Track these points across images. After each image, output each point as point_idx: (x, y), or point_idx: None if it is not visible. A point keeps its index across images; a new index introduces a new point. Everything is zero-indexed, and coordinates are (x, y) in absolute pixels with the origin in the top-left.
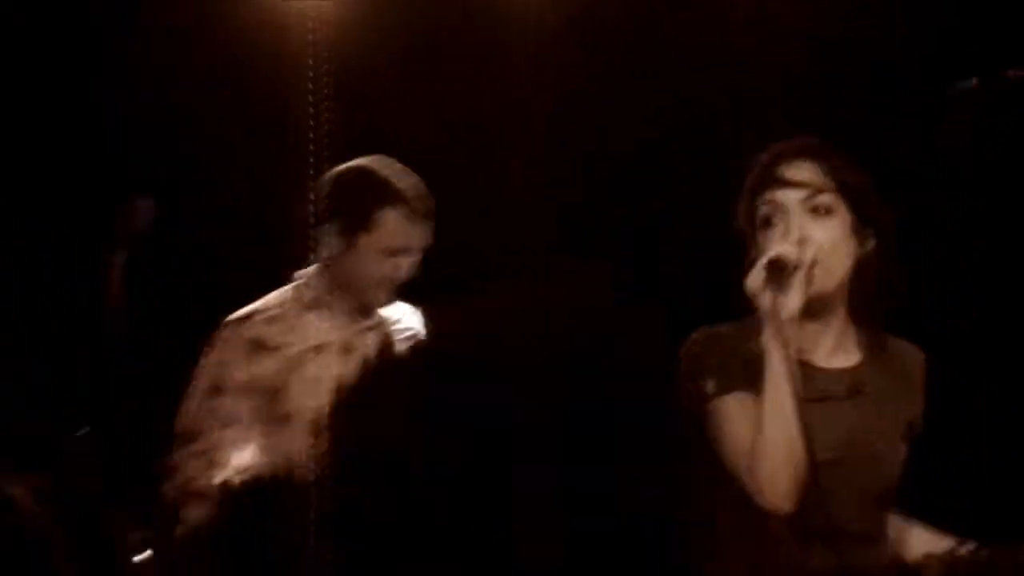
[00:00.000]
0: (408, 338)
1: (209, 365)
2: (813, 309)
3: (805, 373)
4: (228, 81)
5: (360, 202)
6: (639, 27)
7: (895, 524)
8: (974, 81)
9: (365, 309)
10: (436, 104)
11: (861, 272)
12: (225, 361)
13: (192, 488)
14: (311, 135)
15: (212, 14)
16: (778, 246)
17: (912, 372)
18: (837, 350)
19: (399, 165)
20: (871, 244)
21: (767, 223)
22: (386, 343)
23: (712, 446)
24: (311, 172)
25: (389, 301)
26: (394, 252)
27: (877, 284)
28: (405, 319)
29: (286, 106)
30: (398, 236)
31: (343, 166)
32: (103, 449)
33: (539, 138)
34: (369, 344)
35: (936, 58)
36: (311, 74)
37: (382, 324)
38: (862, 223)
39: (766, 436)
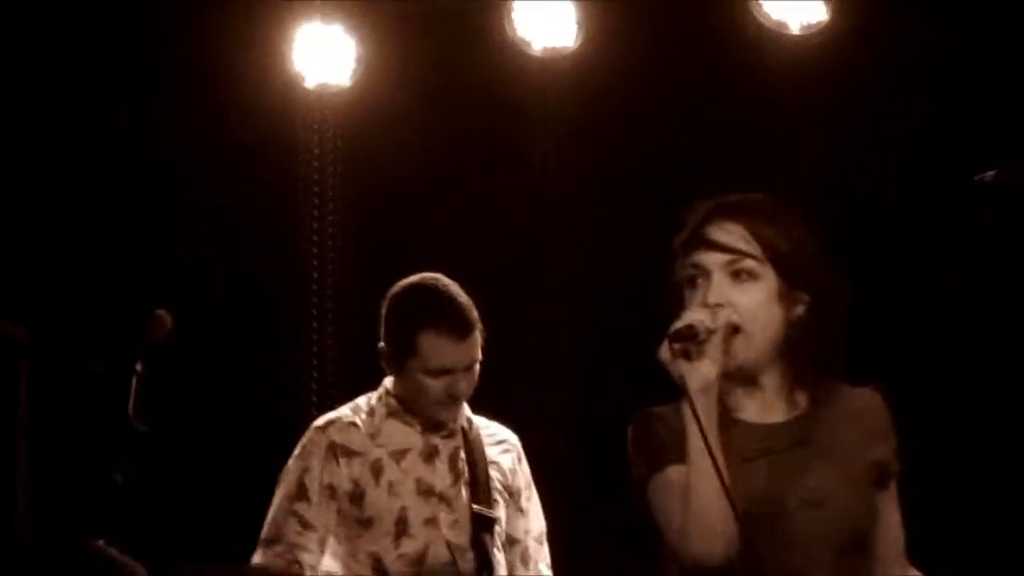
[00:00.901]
0: (498, 444)
1: (293, 470)
2: (742, 374)
3: (743, 431)
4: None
5: (402, 327)
6: (655, 127)
7: None
8: (992, 173)
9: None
10: (450, 206)
11: (792, 334)
12: (308, 466)
13: None
14: (315, 239)
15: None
16: (691, 313)
17: (869, 416)
18: (776, 405)
19: (443, 283)
20: (801, 308)
21: (691, 284)
22: (475, 448)
23: (652, 516)
24: (315, 276)
25: (454, 416)
26: (439, 373)
27: (811, 346)
28: (494, 427)
29: (297, 204)
30: (440, 358)
31: (396, 286)
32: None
33: (560, 238)
34: (457, 450)
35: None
36: (317, 176)
37: (469, 430)
38: (791, 287)
39: (692, 509)
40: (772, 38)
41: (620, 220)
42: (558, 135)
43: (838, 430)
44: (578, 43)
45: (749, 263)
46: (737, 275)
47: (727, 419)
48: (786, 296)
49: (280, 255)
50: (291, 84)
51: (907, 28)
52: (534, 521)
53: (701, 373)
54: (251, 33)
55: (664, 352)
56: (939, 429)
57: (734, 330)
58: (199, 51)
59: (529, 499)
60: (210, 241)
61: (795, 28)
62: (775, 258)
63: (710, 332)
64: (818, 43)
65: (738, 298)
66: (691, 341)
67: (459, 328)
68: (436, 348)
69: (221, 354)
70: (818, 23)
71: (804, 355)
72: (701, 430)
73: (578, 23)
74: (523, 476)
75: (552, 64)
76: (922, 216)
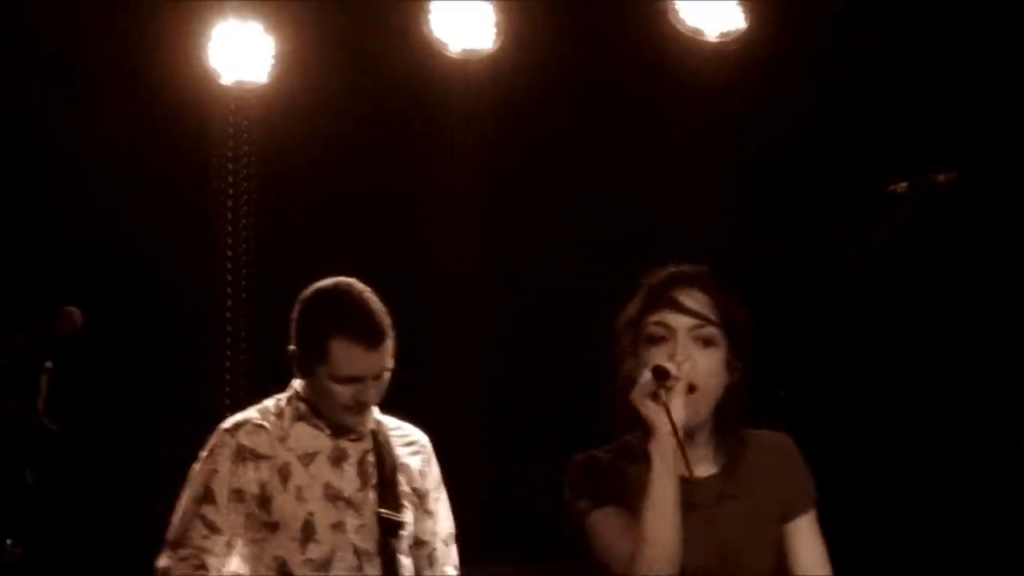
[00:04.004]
0: (408, 445)
1: (200, 472)
2: (688, 431)
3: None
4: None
5: (313, 332)
6: (571, 130)
7: None
8: (904, 183)
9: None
10: (365, 204)
11: (726, 397)
12: (216, 469)
13: None
14: (230, 230)
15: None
16: (665, 364)
17: (780, 459)
18: (704, 461)
19: (356, 290)
20: (737, 376)
21: (653, 341)
22: (384, 451)
23: (594, 559)
24: (229, 274)
25: (362, 422)
26: (349, 381)
27: (737, 407)
28: (405, 428)
29: (208, 201)
30: (350, 366)
31: (309, 289)
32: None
33: (474, 238)
34: (365, 453)
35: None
36: (231, 165)
37: (379, 433)
38: (735, 356)
39: (648, 539)
40: (689, 44)
41: (534, 221)
42: (474, 136)
43: (757, 477)
44: (496, 45)
45: (711, 330)
46: (699, 340)
47: None
48: (730, 364)
49: (194, 253)
50: (207, 81)
51: (824, 36)
52: (442, 523)
53: (668, 418)
54: (167, 30)
55: (641, 391)
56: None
57: (691, 388)
58: (114, 48)
59: (438, 500)
60: (123, 238)
61: (712, 35)
62: (729, 329)
63: (676, 380)
64: (735, 50)
65: (699, 360)
66: (665, 381)
67: (371, 337)
68: (347, 356)
69: (132, 353)
70: (735, 30)
71: (732, 415)
72: (668, 469)
73: (496, 25)
74: (432, 477)
75: (470, 66)
76: (833, 224)
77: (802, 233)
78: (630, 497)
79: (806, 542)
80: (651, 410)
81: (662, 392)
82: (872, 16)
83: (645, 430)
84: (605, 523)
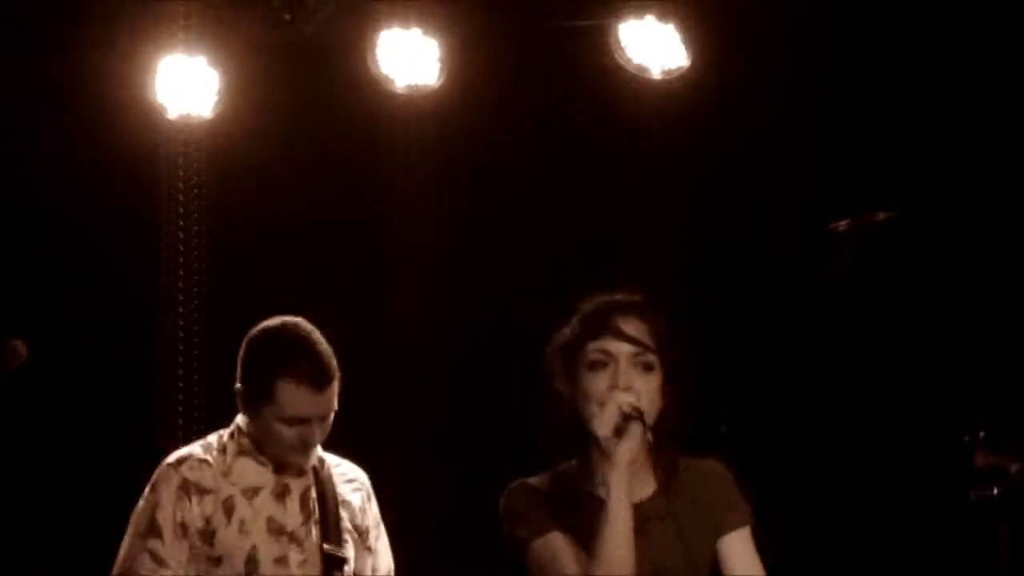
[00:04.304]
0: (349, 482)
1: (145, 507)
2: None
3: None
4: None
5: (260, 373)
6: (517, 166)
7: None
8: (845, 223)
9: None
10: (310, 240)
11: (661, 421)
12: (160, 503)
13: None
14: (182, 261)
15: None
16: (619, 395)
17: (710, 480)
18: (639, 485)
19: (304, 331)
20: (669, 399)
21: (594, 367)
22: (326, 487)
23: None
24: (180, 308)
25: (306, 462)
26: (294, 421)
27: (671, 431)
28: (345, 466)
29: (158, 233)
30: (297, 408)
31: (257, 329)
32: None
33: (419, 273)
34: (308, 489)
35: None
36: (182, 197)
37: (321, 469)
38: (669, 381)
39: (604, 564)
40: (634, 81)
41: (479, 256)
42: (420, 171)
43: (686, 502)
44: (441, 81)
45: (650, 357)
46: (640, 366)
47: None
48: (664, 388)
49: (143, 287)
50: (152, 115)
51: (767, 73)
52: (381, 559)
53: (632, 448)
54: (112, 64)
55: (607, 427)
56: None
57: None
58: (59, 82)
59: (378, 538)
60: (71, 272)
61: (656, 73)
62: (665, 354)
63: (640, 414)
64: (678, 88)
65: (641, 386)
66: (628, 420)
67: (318, 379)
68: (293, 397)
69: (81, 388)
70: (678, 68)
71: (666, 439)
72: (625, 497)
73: (440, 61)
74: (372, 515)
75: (415, 101)
76: (779, 259)
77: (754, 265)
78: (570, 524)
79: (739, 557)
80: (612, 443)
81: (629, 426)
82: (819, 46)
83: (585, 458)
84: (549, 550)
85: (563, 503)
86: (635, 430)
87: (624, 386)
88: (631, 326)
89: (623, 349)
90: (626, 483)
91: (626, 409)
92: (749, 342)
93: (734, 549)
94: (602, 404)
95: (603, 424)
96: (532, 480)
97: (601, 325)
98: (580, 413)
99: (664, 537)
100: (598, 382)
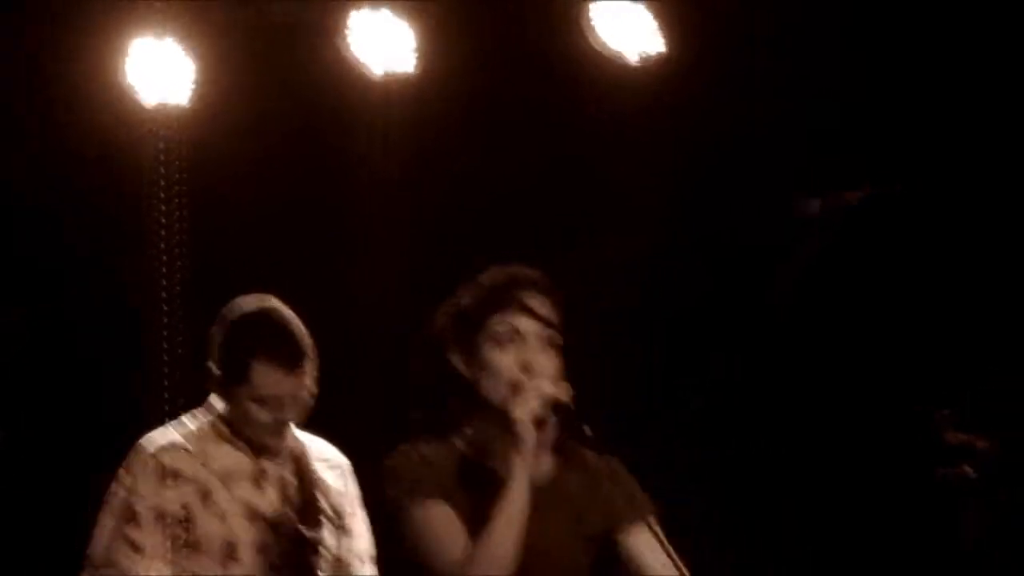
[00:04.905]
0: (326, 463)
1: (121, 491)
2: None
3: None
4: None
5: (233, 353)
6: (493, 153)
7: None
8: (818, 203)
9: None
10: (288, 227)
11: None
12: (137, 488)
13: None
14: (163, 247)
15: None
16: (541, 383)
17: (603, 476)
18: (536, 465)
19: (277, 311)
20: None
21: (500, 342)
22: (303, 470)
23: (408, 547)
24: (164, 283)
25: (281, 443)
26: (267, 402)
27: (566, 415)
28: (323, 447)
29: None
30: (270, 387)
31: (230, 310)
32: None
33: (395, 260)
34: (285, 472)
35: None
36: (163, 183)
37: (298, 452)
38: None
39: (494, 546)
40: (610, 67)
41: (456, 240)
42: (396, 159)
43: (575, 494)
44: (417, 67)
45: (555, 334)
46: (547, 345)
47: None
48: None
49: (123, 273)
50: (127, 103)
51: (745, 59)
52: (358, 540)
53: (544, 439)
54: (86, 54)
55: (529, 412)
56: None
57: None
58: (31, 70)
59: (354, 517)
60: (50, 259)
61: (632, 59)
62: (562, 332)
63: (557, 400)
64: (656, 74)
65: (547, 365)
66: (563, 415)
67: (291, 359)
68: (267, 377)
69: (63, 376)
70: (656, 54)
71: (562, 423)
72: (527, 482)
73: (416, 49)
74: (349, 496)
75: (392, 88)
76: (756, 245)
77: (728, 250)
78: (459, 498)
79: (646, 548)
80: (526, 429)
81: (551, 419)
82: (796, 34)
83: (481, 429)
84: (434, 522)
85: (453, 475)
86: (555, 424)
87: (534, 366)
88: (541, 303)
89: (531, 326)
90: (529, 471)
91: (553, 402)
92: (723, 320)
93: (640, 542)
94: (516, 386)
95: (521, 408)
96: (422, 445)
97: (508, 298)
98: (477, 386)
99: (549, 527)
100: (505, 358)
